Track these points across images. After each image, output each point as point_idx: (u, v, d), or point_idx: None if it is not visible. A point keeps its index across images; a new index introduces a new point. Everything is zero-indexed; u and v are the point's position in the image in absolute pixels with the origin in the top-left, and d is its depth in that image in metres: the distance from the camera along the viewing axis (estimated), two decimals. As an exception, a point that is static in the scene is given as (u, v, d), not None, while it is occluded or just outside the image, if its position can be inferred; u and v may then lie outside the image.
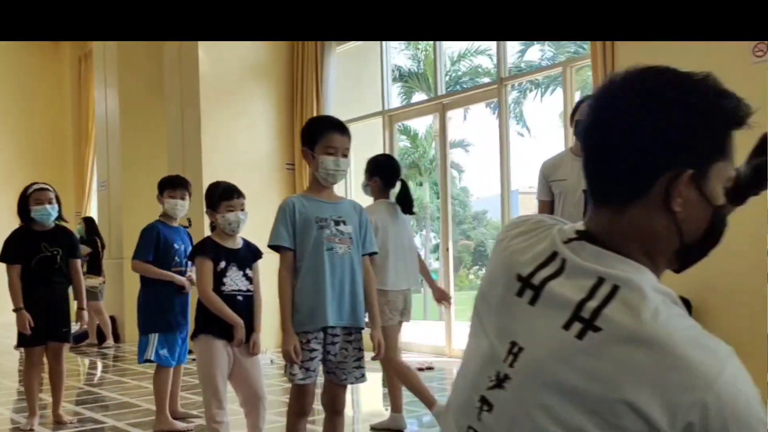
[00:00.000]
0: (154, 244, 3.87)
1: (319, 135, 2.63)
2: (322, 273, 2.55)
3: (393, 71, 17.49)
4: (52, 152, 11.89)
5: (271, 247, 2.65)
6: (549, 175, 3.77)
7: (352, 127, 7.74)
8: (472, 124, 25.70)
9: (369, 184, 3.88)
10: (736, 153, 0.95)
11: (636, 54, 4.87)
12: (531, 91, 17.77)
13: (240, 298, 3.05)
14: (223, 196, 3.10)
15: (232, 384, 3.13)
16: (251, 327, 3.09)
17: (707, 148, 0.90)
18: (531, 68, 14.60)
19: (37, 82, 11.83)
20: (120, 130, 8.81)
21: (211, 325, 2.99)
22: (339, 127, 2.70)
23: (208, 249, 3.06)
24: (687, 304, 4.37)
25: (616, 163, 0.90)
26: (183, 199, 3.97)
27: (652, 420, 0.79)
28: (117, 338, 8.17)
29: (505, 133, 6.16)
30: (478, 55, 17.37)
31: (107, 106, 9.18)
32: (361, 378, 2.68)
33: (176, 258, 3.91)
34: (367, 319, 2.76)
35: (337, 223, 2.62)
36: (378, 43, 7.38)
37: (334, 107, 7.64)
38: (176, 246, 3.92)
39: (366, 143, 7.82)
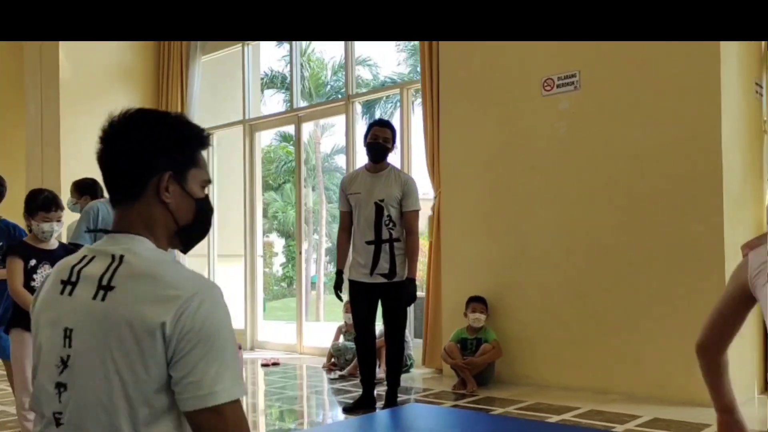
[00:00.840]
0: None
1: None
2: None
3: (274, 79, 17.80)
4: None
5: (71, 244, 2.96)
6: (346, 188, 4.30)
7: (216, 134, 8.02)
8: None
9: (78, 202, 4.47)
10: (206, 164, 1.41)
11: (455, 92, 5.51)
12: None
13: None
14: (41, 207, 3.28)
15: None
16: None
17: (181, 159, 1.32)
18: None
19: None
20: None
21: (23, 318, 3.24)
22: None
23: (17, 249, 3.31)
24: (484, 302, 5.02)
25: (119, 175, 1.31)
26: None
27: (152, 325, 1.15)
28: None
29: (351, 148, 6.66)
30: (357, 65, 17.94)
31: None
32: None
33: None
34: None
35: None
36: (240, 51, 7.70)
37: (199, 114, 7.88)
38: None
39: (230, 150, 8.12)
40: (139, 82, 8.01)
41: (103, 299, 1.21)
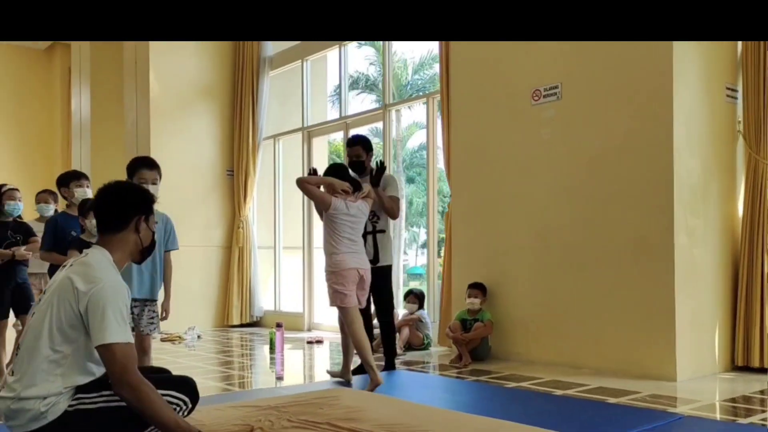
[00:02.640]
0: (52, 233, 4.46)
1: (133, 170, 3.73)
2: (130, 264, 3.25)
3: (358, 80, 18.84)
4: (41, 153, 13.15)
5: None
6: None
7: (281, 140, 9.05)
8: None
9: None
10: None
11: (462, 103, 6.19)
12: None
13: None
14: (90, 208, 3.87)
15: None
16: None
17: (147, 209, 2.35)
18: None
19: (31, 90, 13.07)
20: (91, 135, 10.28)
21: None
22: (147, 164, 3.75)
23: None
24: (481, 287, 5.70)
25: (115, 218, 2.31)
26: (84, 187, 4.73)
27: (77, 285, 2.13)
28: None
29: (388, 152, 7.46)
30: (436, 63, 18.45)
31: (81, 114, 10.62)
32: (154, 331, 3.80)
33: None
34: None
35: None
36: (300, 65, 8.70)
37: (267, 123, 8.98)
38: (74, 233, 4.43)
39: (293, 155, 9.15)
40: (216, 98, 9.21)
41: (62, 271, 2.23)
